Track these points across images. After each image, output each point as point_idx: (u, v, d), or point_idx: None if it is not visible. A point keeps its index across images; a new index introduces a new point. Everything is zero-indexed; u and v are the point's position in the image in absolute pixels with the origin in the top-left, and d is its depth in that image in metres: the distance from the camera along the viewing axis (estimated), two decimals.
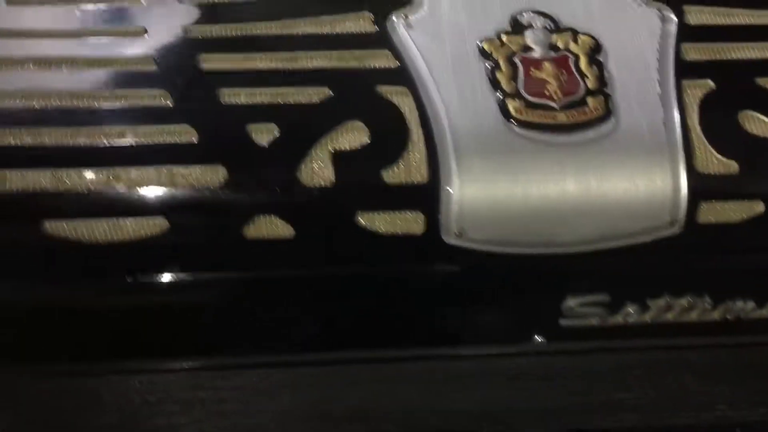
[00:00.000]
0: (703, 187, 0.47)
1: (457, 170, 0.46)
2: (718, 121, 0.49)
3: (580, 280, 0.50)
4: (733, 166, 0.48)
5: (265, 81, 0.49)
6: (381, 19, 0.52)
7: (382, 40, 0.51)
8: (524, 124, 0.47)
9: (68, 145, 0.46)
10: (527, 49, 0.50)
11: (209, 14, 0.52)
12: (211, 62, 0.49)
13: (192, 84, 0.49)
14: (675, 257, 0.49)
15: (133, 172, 0.46)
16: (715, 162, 0.48)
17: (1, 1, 0.51)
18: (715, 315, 0.52)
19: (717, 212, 0.48)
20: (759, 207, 0.48)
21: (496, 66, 0.49)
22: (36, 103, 0.47)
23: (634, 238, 0.48)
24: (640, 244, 0.48)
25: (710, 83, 0.50)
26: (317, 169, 0.46)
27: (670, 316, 0.52)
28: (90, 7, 0.51)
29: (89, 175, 0.46)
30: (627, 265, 0.49)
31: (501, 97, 0.48)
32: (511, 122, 0.47)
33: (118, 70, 0.49)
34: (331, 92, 0.48)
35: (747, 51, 0.51)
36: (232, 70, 0.49)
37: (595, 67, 0.50)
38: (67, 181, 0.45)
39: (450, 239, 0.47)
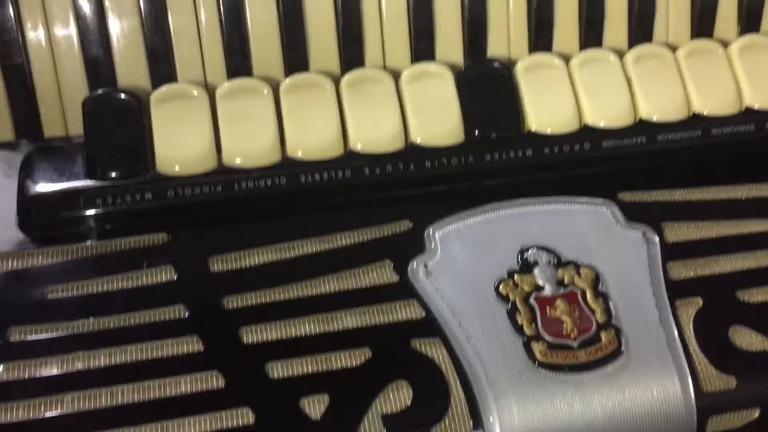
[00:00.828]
0: (709, 405, 0.53)
1: (498, 419, 0.51)
2: (713, 338, 0.55)
3: None
4: (731, 382, 0.54)
5: (307, 348, 0.52)
6: (401, 265, 0.56)
7: (406, 289, 0.55)
8: (550, 366, 0.52)
9: None
10: (539, 287, 0.55)
11: (237, 281, 0.55)
12: (253, 335, 0.52)
13: (239, 360, 0.51)
14: None
15: None
16: (716, 380, 0.53)
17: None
18: None
19: (722, 422, 0.54)
20: (755, 413, 0.54)
21: (515, 308, 0.54)
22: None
23: None
24: None
25: (699, 300, 0.56)
26: None
27: None
28: (123, 290, 0.53)
29: None
30: None
31: (525, 340, 0.53)
32: (538, 366, 0.52)
33: (165, 355, 0.51)
34: (371, 352, 0.52)
35: (726, 263, 0.58)
36: (274, 341, 0.52)
37: (600, 300, 0.55)
38: None
39: None
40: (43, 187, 0.56)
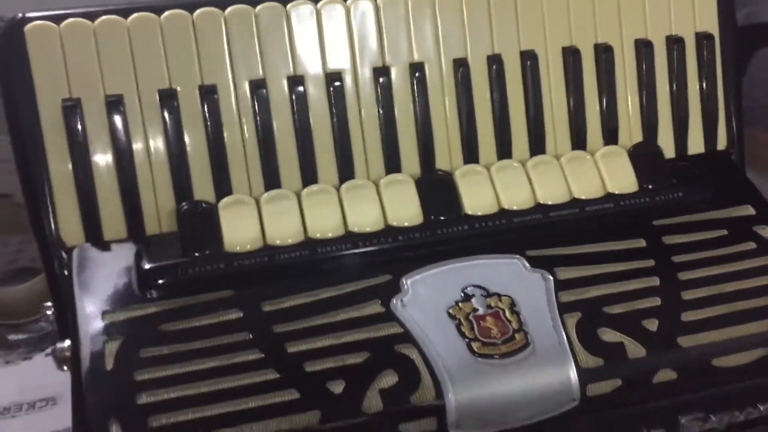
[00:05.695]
0: (586, 377, 0.83)
1: (452, 389, 0.80)
2: (587, 336, 0.85)
3: None
4: (600, 361, 0.84)
5: (331, 352, 0.81)
6: (386, 302, 0.87)
7: (390, 317, 0.85)
8: (484, 356, 0.82)
9: None
10: (475, 309, 0.86)
11: (283, 316, 0.85)
12: (296, 347, 0.82)
13: (288, 362, 0.81)
14: (575, 420, 0.84)
15: None
16: (590, 360, 0.83)
17: None
18: None
19: (597, 389, 0.83)
20: (618, 382, 0.84)
21: (460, 323, 0.85)
22: None
23: (554, 410, 0.83)
24: (556, 414, 0.83)
25: (579, 314, 0.87)
26: (375, 403, 0.79)
27: None
28: (208, 325, 0.84)
29: None
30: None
31: (467, 342, 0.83)
32: (476, 356, 0.83)
33: (237, 362, 0.81)
34: (368, 353, 0.82)
35: (595, 291, 0.90)
36: (309, 350, 0.82)
37: (515, 315, 0.86)
38: None
39: (453, 430, 0.80)
40: (154, 263, 0.87)
